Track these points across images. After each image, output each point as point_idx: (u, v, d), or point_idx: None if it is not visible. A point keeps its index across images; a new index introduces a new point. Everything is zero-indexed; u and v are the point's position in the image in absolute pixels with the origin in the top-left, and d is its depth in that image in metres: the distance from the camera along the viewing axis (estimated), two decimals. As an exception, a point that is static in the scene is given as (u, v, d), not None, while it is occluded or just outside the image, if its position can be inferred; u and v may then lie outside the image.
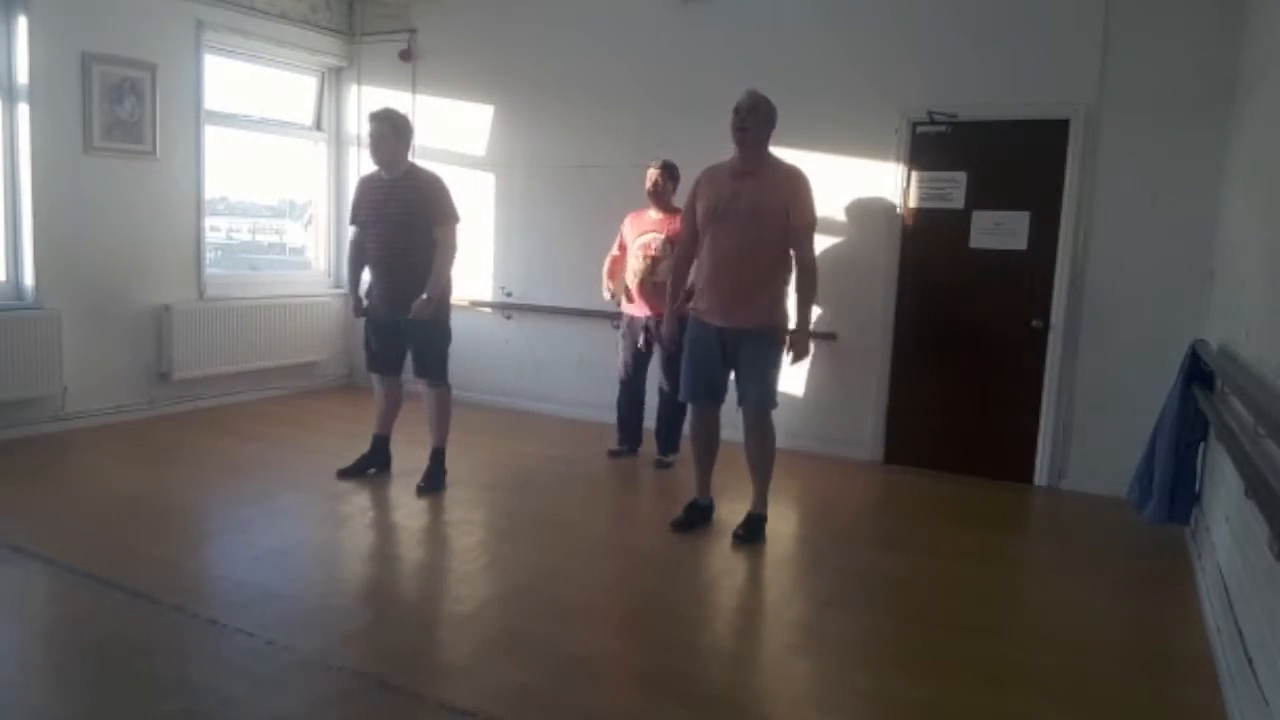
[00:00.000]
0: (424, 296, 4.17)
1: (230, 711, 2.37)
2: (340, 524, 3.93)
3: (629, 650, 2.86)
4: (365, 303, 4.44)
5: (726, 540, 3.85)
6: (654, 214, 4.89)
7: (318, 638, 2.77)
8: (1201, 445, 3.77)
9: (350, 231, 4.52)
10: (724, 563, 3.68)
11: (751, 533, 3.85)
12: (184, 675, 2.56)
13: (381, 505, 4.20)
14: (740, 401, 3.82)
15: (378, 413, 4.57)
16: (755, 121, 3.68)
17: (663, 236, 4.77)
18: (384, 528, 3.99)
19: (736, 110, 3.71)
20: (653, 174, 4.84)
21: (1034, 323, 4.79)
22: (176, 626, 2.84)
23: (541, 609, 3.10)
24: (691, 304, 3.92)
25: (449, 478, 4.46)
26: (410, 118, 5.72)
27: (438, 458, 4.44)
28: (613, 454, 5.15)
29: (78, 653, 2.68)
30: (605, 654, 2.81)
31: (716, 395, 3.89)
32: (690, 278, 4.04)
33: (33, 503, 3.94)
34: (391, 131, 4.20)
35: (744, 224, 3.66)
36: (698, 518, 3.99)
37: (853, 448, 5.25)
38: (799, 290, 3.78)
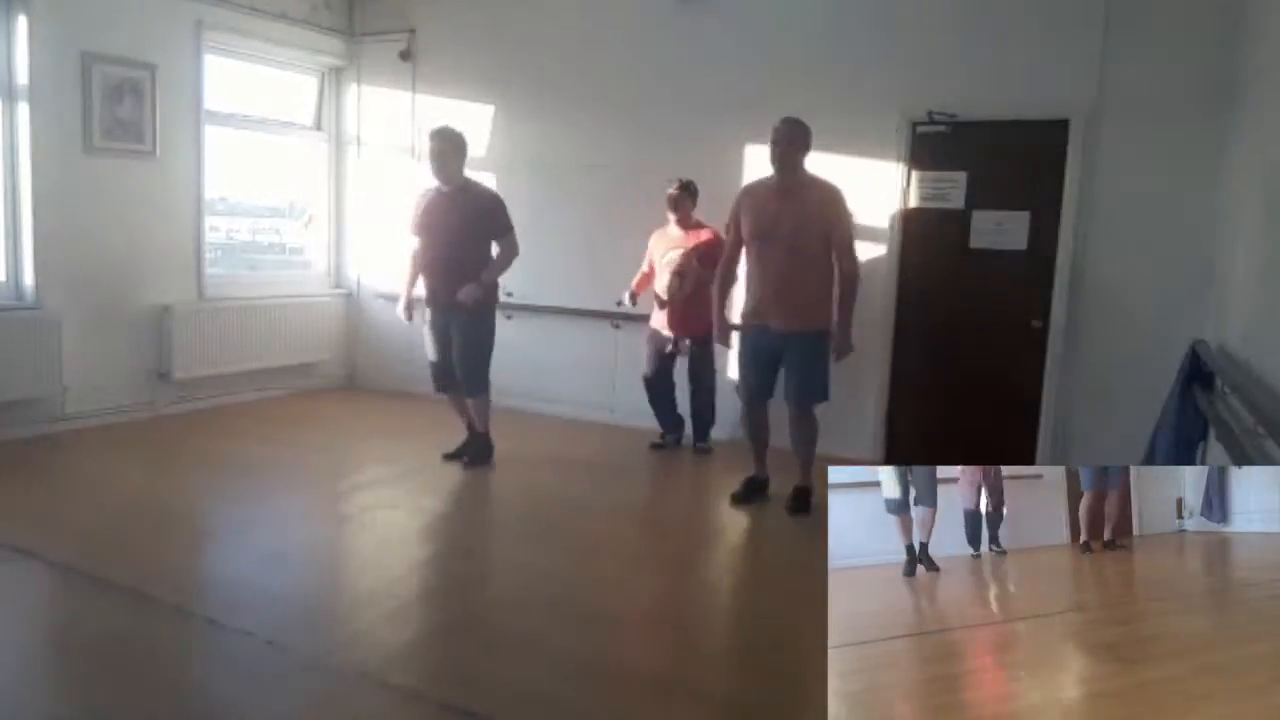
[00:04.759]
0: (474, 283, 4.44)
1: (230, 712, 2.37)
2: (340, 524, 3.94)
3: (632, 651, 2.86)
4: (411, 306, 4.78)
5: (742, 548, 3.88)
6: (675, 230, 5.07)
7: (318, 638, 2.78)
8: (1201, 445, 3.77)
9: (413, 243, 4.75)
10: (737, 566, 3.69)
11: (800, 504, 4.13)
12: (184, 675, 2.56)
13: (382, 505, 4.20)
14: (786, 396, 4.14)
15: (459, 413, 4.84)
16: (792, 150, 4.00)
17: (689, 254, 4.98)
18: (384, 528, 3.98)
19: (775, 141, 4.01)
20: (672, 194, 5.01)
21: (1034, 322, 4.78)
22: (176, 626, 2.84)
23: (542, 609, 3.10)
24: (742, 316, 4.27)
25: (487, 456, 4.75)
26: (410, 117, 5.71)
27: (481, 438, 4.77)
28: (654, 446, 5.27)
29: (78, 653, 2.68)
30: (608, 655, 2.81)
31: (767, 393, 4.24)
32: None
33: (33, 503, 3.94)
34: (452, 149, 4.53)
35: (787, 242, 4.00)
36: (755, 491, 4.31)
37: (853, 447, 5.24)
38: (841, 294, 4.11)
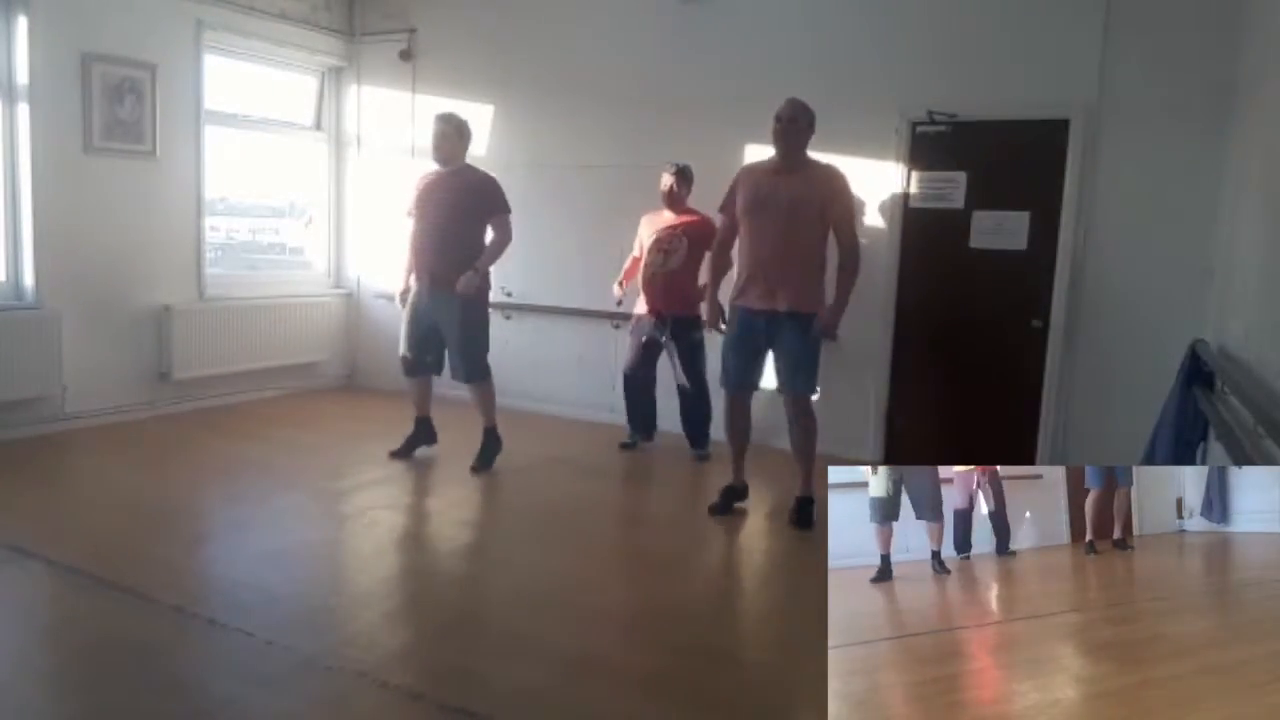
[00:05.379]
0: (472, 271, 4.39)
1: (230, 712, 2.37)
2: (340, 524, 3.94)
3: (631, 651, 2.86)
4: (409, 291, 4.69)
5: (740, 543, 3.87)
6: (668, 215, 5.04)
7: (318, 638, 2.78)
8: (1201, 445, 3.77)
9: (409, 226, 4.73)
10: (737, 566, 3.69)
11: (804, 516, 3.96)
12: (184, 676, 2.56)
13: (381, 505, 4.19)
14: (780, 390, 4.01)
15: (415, 399, 4.82)
16: (795, 129, 3.91)
17: (676, 230, 4.95)
18: (384, 528, 3.98)
19: (779, 119, 3.92)
20: (667, 179, 4.99)
21: (1034, 322, 4.78)
22: (176, 626, 2.84)
23: (542, 609, 3.11)
24: (733, 297, 4.06)
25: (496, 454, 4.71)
26: (410, 118, 5.68)
27: (491, 435, 4.69)
28: (624, 446, 5.23)
29: (77, 653, 2.68)
30: (608, 654, 2.81)
31: (752, 382, 4.09)
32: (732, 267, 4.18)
33: (33, 503, 3.94)
34: (455, 132, 4.61)
35: (781, 217, 3.87)
36: (734, 500, 4.16)
37: (853, 448, 5.24)
38: (840, 269, 3.96)
